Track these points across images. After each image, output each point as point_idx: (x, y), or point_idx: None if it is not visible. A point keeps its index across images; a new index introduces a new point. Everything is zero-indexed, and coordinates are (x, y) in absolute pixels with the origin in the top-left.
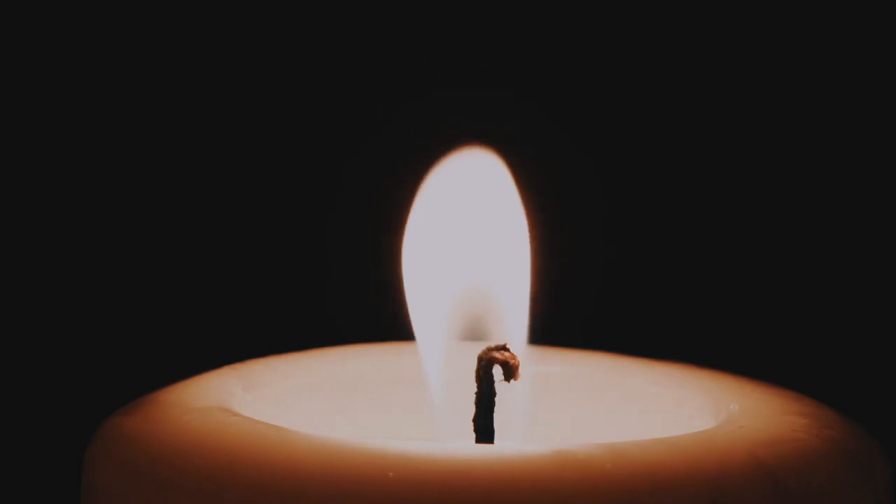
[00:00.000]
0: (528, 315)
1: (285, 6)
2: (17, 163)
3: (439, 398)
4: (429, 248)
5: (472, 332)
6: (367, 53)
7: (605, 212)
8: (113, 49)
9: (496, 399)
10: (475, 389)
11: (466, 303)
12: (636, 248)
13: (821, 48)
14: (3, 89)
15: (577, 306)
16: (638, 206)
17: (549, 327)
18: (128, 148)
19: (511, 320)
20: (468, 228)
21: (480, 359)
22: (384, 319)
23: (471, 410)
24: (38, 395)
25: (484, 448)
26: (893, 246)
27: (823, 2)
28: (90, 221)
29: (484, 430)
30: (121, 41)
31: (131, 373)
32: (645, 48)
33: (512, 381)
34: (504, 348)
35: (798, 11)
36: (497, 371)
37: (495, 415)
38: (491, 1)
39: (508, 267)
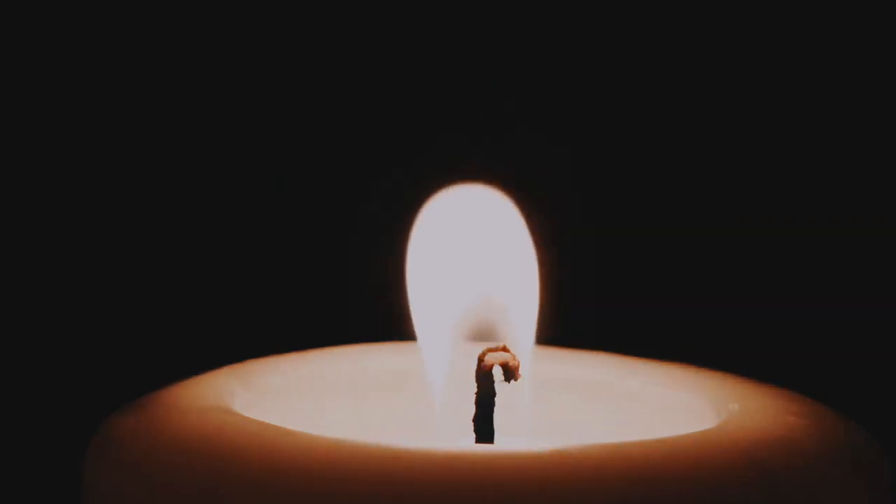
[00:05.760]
0: (536, 316)
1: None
2: (18, 163)
3: (441, 398)
4: (433, 253)
5: (480, 333)
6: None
7: (605, 212)
8: (124, 56)
9: (496, 399)
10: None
11: (472, 305)
12: (637, 248)
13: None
14: (3, 89)
15: (576, 307)
16: (638, 205)
17: (549, 328)
18: (130, 148)
19: (518, 321)
20: (471, 236)
21: (480, 359)
22: (384, 319)
23: (472, 410)
24: (38, 394)
25: (484, 448)
26: (893, 246)
27: (822, 2)
28: (91, 221)
29: (484, 430)
30: (146, 51)
31: (131, 373)
32: (631, 49)
33: (512, 381)
34: (504, 349)
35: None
36: (497, 371)
37: (495, 415)
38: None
39: (512, 271)
